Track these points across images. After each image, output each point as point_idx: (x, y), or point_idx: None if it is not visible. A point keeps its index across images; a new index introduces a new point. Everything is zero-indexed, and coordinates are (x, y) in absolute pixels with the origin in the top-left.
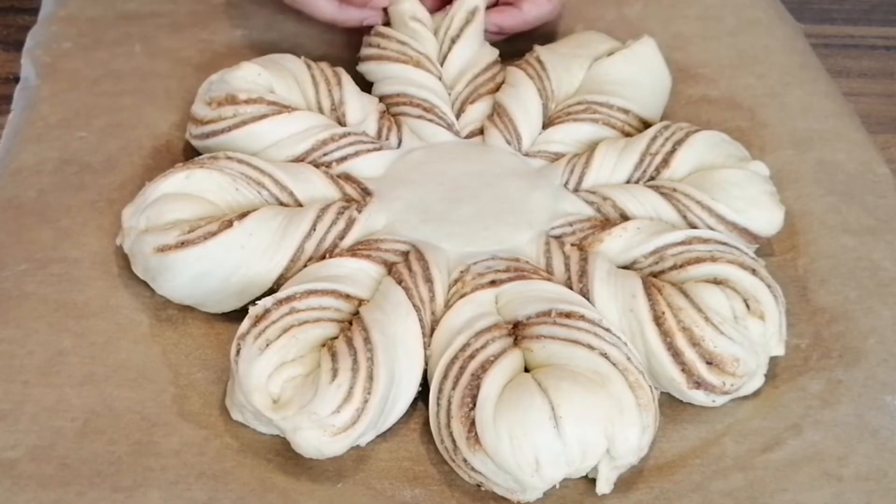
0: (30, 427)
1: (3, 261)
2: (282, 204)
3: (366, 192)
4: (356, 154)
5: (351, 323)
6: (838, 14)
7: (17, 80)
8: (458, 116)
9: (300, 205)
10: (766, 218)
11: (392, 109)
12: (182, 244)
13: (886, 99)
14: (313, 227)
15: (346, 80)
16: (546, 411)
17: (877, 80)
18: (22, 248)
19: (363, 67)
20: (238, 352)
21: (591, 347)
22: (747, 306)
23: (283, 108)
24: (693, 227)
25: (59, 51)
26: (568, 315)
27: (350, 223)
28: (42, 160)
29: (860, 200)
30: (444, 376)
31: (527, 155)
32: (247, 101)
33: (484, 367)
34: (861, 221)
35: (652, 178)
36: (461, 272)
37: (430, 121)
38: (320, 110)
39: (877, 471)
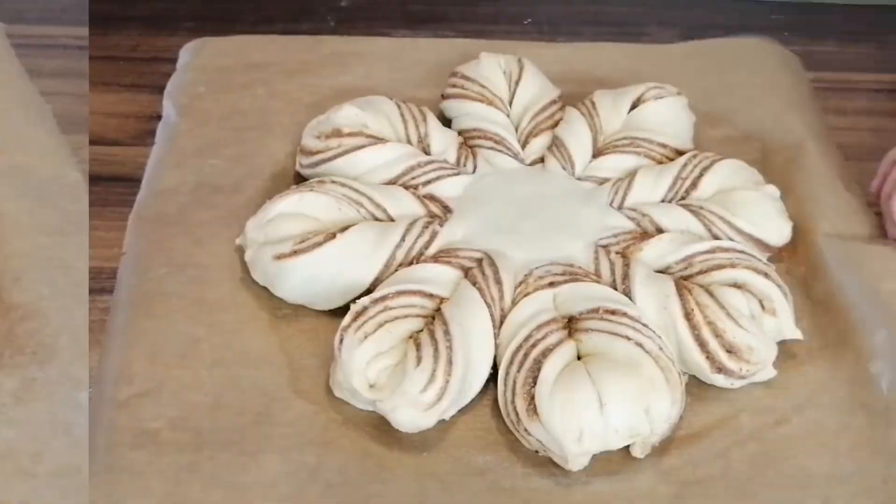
0: (170, 402)
1: (148, 265)
2: (377, 219)
3: (447, 210)
4: (439, 178)
5: (433, 318)
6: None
7: (159, 117)
8: (523, 147)
9: (392, 220)
10: (777, 230)
11: (469, 142)
12: (295, 252)
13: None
14: (403, 239)
15: (431, 117)
16: (593, 395)
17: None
18: (164, 255)
19: (446, 104)
20: (341, 341)
21: (629, 339)
22: (762, 305)
23: (378, 139)
24: (717, 238)
25: (194, 93)
26: (613, 312)
27: (433, 235)
28: (181, 183)
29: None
30: (511, 361)
31: (579, 179)
32: (349, 134)
33: (544, 354)
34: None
35: (683, 198)
36: (525, 276)
37: (500, 151)
38: (409, 142)
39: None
